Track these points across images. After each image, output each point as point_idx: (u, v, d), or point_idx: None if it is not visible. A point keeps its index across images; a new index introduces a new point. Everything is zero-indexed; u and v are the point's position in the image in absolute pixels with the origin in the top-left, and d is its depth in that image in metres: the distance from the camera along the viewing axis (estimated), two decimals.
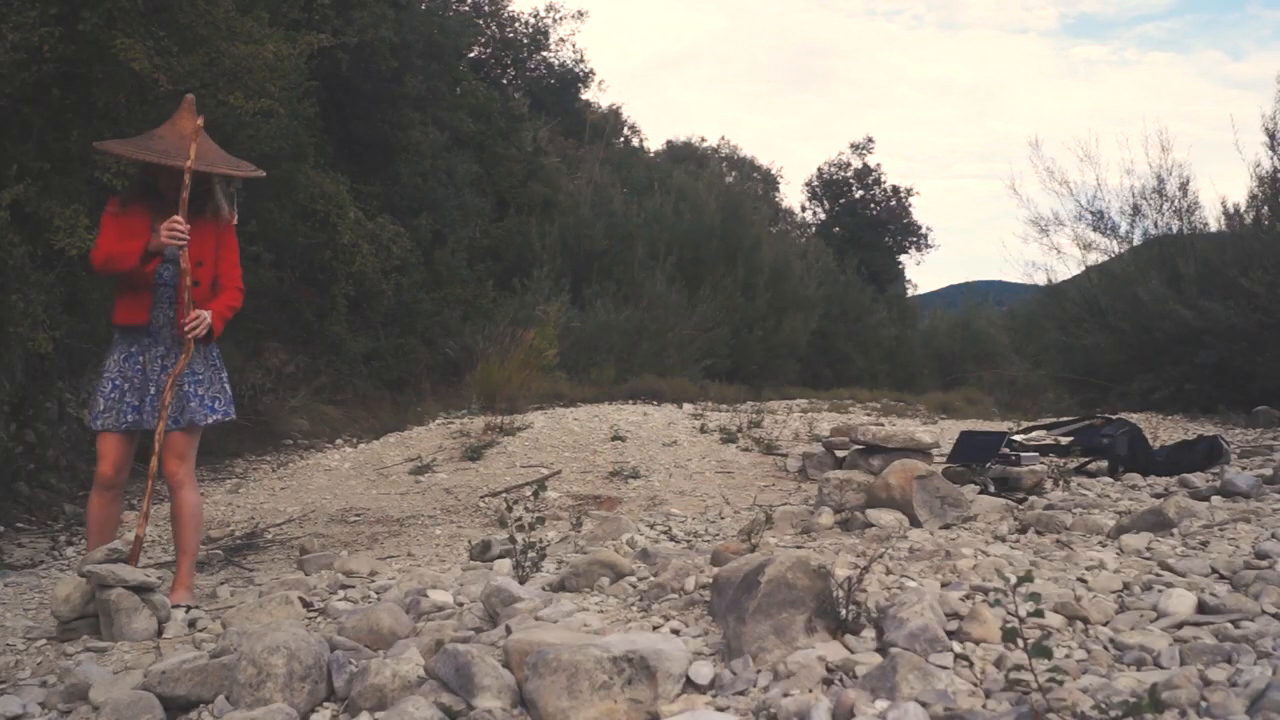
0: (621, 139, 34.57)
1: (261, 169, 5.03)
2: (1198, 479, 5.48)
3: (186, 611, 4.28)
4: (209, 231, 4.69)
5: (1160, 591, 2.95)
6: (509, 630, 2.93)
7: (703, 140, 40.40)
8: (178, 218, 4.45)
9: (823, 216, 42.19)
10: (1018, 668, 2.33)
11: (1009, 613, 2.26)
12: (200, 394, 4.67)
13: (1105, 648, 2.60)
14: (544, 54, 29.58)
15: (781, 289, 24.87)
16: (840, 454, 7.54)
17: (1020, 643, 2.10)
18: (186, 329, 4.53)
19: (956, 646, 2.59)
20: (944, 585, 3.12)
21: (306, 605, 4.17)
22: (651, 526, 6.00)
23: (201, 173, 4.61)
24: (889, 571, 3.30)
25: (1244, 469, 6.07)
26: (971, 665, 2.51)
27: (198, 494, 4.77)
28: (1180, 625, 2.71)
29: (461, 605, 3.67)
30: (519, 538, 4.41)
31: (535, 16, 29.30)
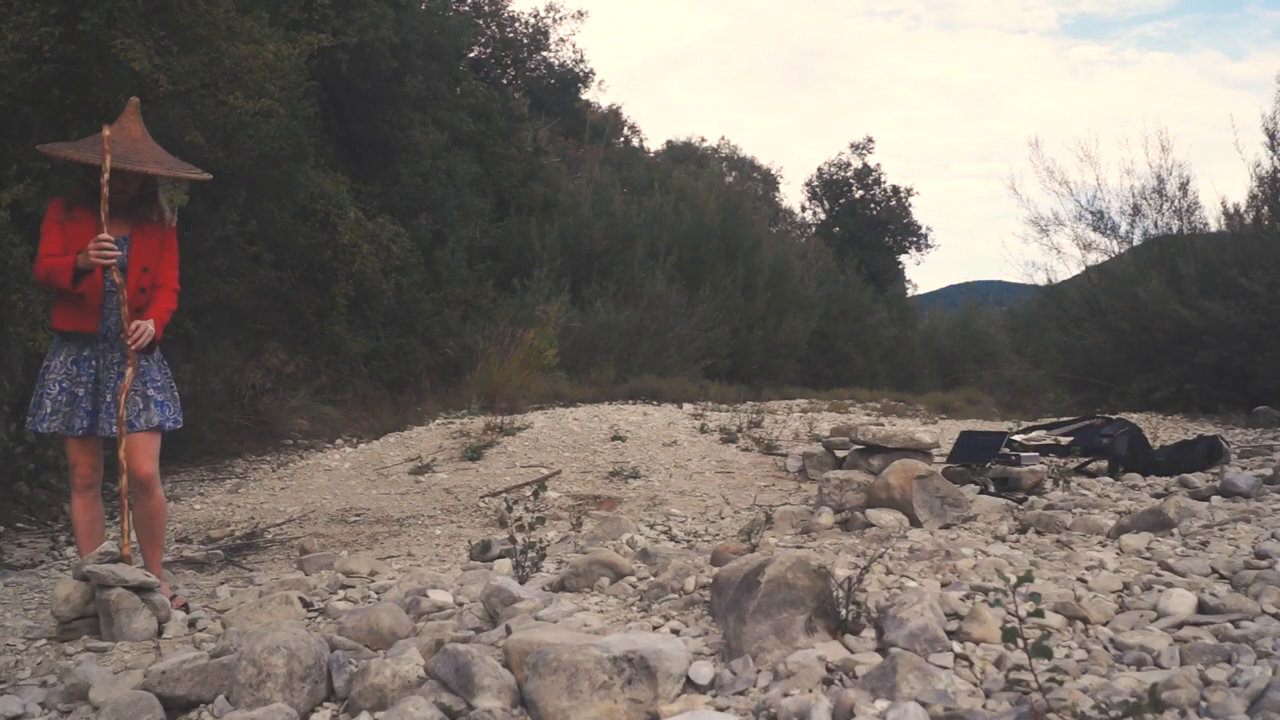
0: (621, 139, 34.57)
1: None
2: (1198, 479, 5.48)
3: (187, 611, 4.28)
4: (154, 236, 4.60)
5: (1160, 591, 2.95)
6: (509, 630, 2.93)
7: (703, 140, 40.41)
8: (105, 236, 4.30)
9: (823, 216, 42.17)
10: (1018, 668, 2.33)
11: (1009, 613, 2.26)
12: (161, 400, 4.62)
13: (1105, 648, 2.60)
14: (544, 54, 29.59)
15: (781, 289, 24.85)
16: (840, 454, 7.55)
17: (1020, 643, 2.10)
18: (131, 342, 4.42)
19: (956, 646, 2.59)
20: (944, 585, 3.12)
21: (306, 605, 4.17)
22: (651, 526, 6.01)
23: (148, 177, 4.54)
24: (889, 571, 3.31)
25: (1244, 469, 6.07)
26: (971, 665, 2.51)
27: (163, 491, 4.75)
28: (1180, 625, 2.71)
29: (461, 605, 3.67)
30: (519, 538, 4.41)
31: (535, 16, 29.33)
